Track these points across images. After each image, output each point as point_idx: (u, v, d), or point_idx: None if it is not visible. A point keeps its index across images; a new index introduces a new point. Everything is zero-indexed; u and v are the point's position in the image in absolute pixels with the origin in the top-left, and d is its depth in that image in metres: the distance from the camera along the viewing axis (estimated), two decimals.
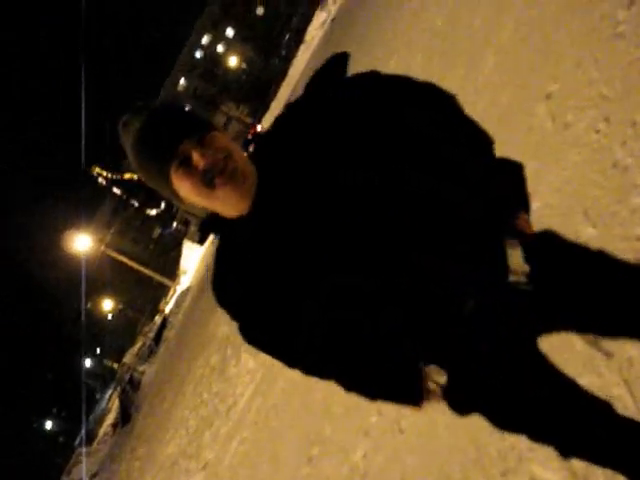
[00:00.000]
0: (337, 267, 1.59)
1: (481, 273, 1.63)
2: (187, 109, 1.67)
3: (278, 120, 1.78)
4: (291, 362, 1.79)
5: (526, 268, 1.65)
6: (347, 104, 1.69)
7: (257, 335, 1.76)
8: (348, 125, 1.65)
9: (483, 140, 1.82)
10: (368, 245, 1.58)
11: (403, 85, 1.81)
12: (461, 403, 1.74)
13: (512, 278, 1.64)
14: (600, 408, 1.78)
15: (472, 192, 1.67)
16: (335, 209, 1.59)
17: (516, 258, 1.66)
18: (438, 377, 1.71)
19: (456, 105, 1.83)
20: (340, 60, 1.95)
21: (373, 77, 1.79)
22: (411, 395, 1.73)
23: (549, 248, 1.75)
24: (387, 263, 1.58)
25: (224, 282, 1.75)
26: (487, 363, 1.69)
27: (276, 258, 1.63)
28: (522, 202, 1.76)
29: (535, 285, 1.65)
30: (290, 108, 1.79)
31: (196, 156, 1.55)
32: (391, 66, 9.74)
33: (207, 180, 1.56)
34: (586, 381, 2.58)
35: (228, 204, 1.65)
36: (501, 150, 4.43)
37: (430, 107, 1.78)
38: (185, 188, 1.60)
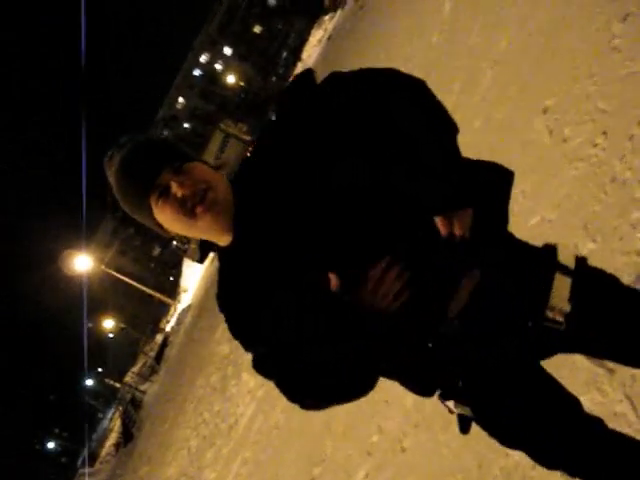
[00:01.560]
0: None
1: (518, 302, 1.59)
2: (167, 141, 1.66)
3: (259, 141, 1.76)
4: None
5: (567, 308, 1.56)
6: (329, 108, 1.64)
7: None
8: (331, 130, 1.62)
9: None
10: (360, 251, 1.55)
11: (382, 82, 1.71)
12: (467, 421, 1.71)
13: (549, 314, 1.56)
14: (603, 427, 1.75)
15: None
16: (321, 214, 1.56)
17: (561, 294, 1.57)
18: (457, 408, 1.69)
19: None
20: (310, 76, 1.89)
21: (349, 79, 1.72)
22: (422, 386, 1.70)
23: (592, 289, 1.64)
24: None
25: (228, 299, 1.71)
26: (491, 380, 1.67)
27: (270, 271, 1.60)
28: (470, 201, 1.58)
29: (569, 326, 1.57)
30: (270, 128, 1.76)
31: (174, 185, 1.54)
32: None
33: (187, 209, 1.54)
34: (589, 398, 2.56)
35: (210, 234, 1.64)
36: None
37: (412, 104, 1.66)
38: (166, 218, 1.58)
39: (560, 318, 1.56)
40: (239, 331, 1.70)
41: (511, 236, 1.71)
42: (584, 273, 1.63)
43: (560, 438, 1.71)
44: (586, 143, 3.67)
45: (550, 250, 1.64)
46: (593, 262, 3.00)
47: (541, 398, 1.71)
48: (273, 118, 1.77)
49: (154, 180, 1.54)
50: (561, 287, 1.58)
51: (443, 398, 1.70)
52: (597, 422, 1.76)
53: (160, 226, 1.64)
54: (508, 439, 1.76)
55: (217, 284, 1.74)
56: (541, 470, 2.51)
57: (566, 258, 1.63)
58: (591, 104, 3.81)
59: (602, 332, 1.64)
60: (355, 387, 1.60)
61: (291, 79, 1.81)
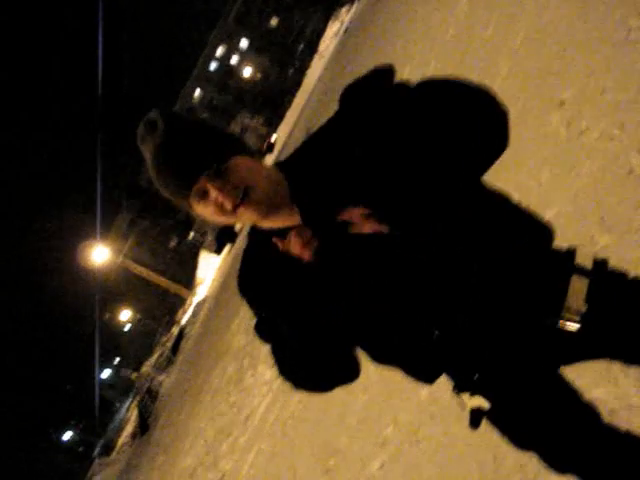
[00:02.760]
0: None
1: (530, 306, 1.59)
2: (207, 130, 1.59)
3: (307, 152, 1.72)
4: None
5: (584, 308, 1.55)
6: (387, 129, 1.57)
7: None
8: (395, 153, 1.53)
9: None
10: (424, 290, 1.58)
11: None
12: (479, 415, 1.72)
13: (564, 315, 1.55)
14: (616, 427, 1.75)
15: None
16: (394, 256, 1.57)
17: (578, 294, 1.56)
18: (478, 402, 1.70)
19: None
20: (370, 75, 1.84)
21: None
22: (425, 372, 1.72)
23: (610, 290, 1.62)
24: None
25: (250, 279, 1.75)
26: (507, 376, 1.68)
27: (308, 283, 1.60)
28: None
29: (585, 329, 1.56)
30: (319, 137, 1.71)
31: (213, 192, 1.50)
32: (405, 74, 9.75)
33: (226, 211, 1.53)
34: (604, 390, 2.56)
35: (252, 222, 1.65)
36: (516, 158, 4.42)
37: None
38: (206, 215, 1.58)
39: (576, 318, 1.55)
40: (251, 292, 1.75)
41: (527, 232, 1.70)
42: (602, 274, 1.62)
43: (573, 441, 1.71)
44: (603, 136, 3.66)
45: (569, 251, 1.64)
46: (609, 255, 3.01)
47: (556, 400, 1.71)
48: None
49: (192, 186, 1.51)
50: (578, 287, 1.57)
51: (458, 390, 1.71)
52: (613, 429, 1.75)
53: (198, 215, 1.62)
54: (520, 438, 1.77)
55: (242, 259, 1.77)
56: (556, 464, 2.53)
57: (584, 259, 1.63)
58: (608, 97, 3.80)
59: (620, 334, 1.64)
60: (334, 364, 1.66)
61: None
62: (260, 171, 1.58)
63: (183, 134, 1.55)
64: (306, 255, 1.51)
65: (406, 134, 1.52)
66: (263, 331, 1.73)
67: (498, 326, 1.61)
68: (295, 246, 1.51)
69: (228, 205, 1.51)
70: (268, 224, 1.63)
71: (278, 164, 1.69)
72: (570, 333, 1.57)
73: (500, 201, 1.74)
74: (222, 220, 1.59)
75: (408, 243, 1.57)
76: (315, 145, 1.70)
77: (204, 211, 1.56)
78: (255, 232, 1.72)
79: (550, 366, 1.70)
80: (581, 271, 1.59)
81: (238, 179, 1.52)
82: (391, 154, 1.51)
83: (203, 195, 1.52)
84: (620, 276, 1.68)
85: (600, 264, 1.64)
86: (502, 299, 1.59)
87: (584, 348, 1.66)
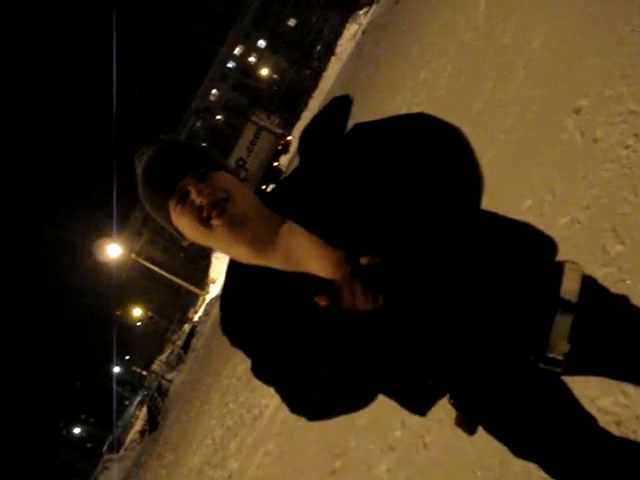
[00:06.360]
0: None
1: (512, 343, 1.59)
2: (197, 146, 1.63)
3: (297, 175, 1.74)
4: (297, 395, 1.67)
5: (567, 348, 1.55)
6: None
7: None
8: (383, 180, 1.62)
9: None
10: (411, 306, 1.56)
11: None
12: (473, 423, 1.73)
13: (549, 354, 1.55)
14: (622, 437, 1.75)
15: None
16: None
17: (562, 333, 1.56)
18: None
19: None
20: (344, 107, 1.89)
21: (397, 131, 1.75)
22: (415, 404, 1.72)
23: (594, 327, 1.62)
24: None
25: (236, 319, 1.71)
26: (495, 399, 1.69)
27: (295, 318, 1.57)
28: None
29: (568, 366, 1.56)
30: (307, 162, 1.75)
31: (193, 192, 1.52)
32: (421, 78, 9.75)
33: (202, 218, 1.52)
34: (612, 400, 2.56)
35: (232, 251, 1.62)
36: (530, 165, 4.42)
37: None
38: (183, 224, 1.57)
39: (560, 357, 1.55)
40: (240, 339, 1.72)
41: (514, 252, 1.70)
42: (587, 307, 1.60)
43: (578, 451, 1.71)
44: (617, 144, 3.65)
45: (554, 279, 1.62)
46: (621, 265, 2.99)
47: (561, 410, 1.71)
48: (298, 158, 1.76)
49: (175, 184, 1.53)
50: (561, 325, 1.56)
51: (453, 407, 1.73)
52: (619, 440, 1.76)
53: (177, 231, 1.63)
54: (525, 448, 1.77)
55: (222, 297, 1.73)
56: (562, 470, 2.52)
57: (572, 283, 1.61)
58: (623, 105, 3.79)
59: (605, 367, 1.64)
60: (353, 396, 1.59)
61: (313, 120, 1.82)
62: (244, 191, 1.59)
63: (176, 145, 1.62)
64: (373, 305, 1.44)
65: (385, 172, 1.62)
66: (262, 372, 1.71)
67: (484, 362, 1.61)
68: (361, 299, 1.43)
69: (205, 209, 1.51)
70: (247, 256, 1.61)
71: (260, 195, 1.67)
72: (554, 376, 1.58)
73: (492, 226, 1.73)
74: (197, 236, 1.58)
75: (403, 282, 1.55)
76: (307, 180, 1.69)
77: (181, 220, 1.56)
78: (234, 270, 1.69)
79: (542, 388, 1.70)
80: (566, 305, 1.58)
81: (220, 188, 1.53)
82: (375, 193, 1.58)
83: (183, 198, 1.53)
84: (606, 303, 1.69)
85: (587, 289, 1.63)
86: (485, 337, 1.59)
87: (576, 372, 1.66)
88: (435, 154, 1.72)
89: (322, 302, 1.42)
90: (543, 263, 1.69)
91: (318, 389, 1.54)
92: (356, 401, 1.61)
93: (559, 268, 1.64)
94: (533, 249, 1.73)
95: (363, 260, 1.44)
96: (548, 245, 1.76)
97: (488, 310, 1.58)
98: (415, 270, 1.55)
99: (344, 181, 1.62)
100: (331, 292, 1.44)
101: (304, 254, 1.57)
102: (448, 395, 1.71)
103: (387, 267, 1.47)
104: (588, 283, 1.65)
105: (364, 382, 1.55)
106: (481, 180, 1.72)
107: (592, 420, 1.73)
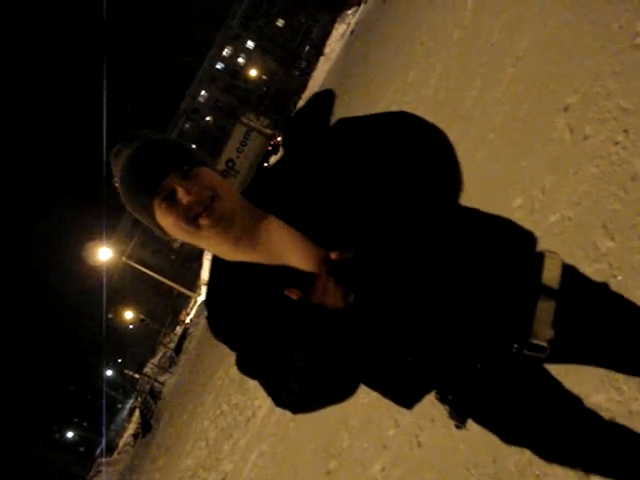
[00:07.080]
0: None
1: (498, 332, 1.60)
2: (179, 143, 1.61)
3: (281, 170, 1.74)
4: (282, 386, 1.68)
5: (551, 333, 1.57)
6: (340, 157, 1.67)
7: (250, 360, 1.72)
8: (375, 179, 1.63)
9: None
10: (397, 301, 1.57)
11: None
12: (464, 415, 1.73)
13: (533, 340, 1.57)
14: (616, 425, 1.76)
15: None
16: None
17: (544, 319, 1.58)
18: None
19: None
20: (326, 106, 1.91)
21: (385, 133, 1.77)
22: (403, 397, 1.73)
23: (577, 311, 1.65)
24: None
25: (221, 314, 1.70)
26: (482, 393, 1.69)
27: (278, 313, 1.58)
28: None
29: (552, 353, 1.58)
30: (292, 158, 1.75)
31: (180, 191, 1.50)
32: (410, 78, 9.75)
33: (190, 217, 1.51)
34: (605, 396, 2.57)
35: (216, 249, 1.62)
36: (520, 162, 4.42)
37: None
38: (168, 223, 1.55)
39: (544, 344, 1.57)
40: (225, 334, 1.71)
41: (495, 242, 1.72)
42: (569, 294, 1.63)
43: (572, 445, 1.72)
44: (607, 141, 3.66)
45: (535, 268, 1.64)
46: (612, 261, 3.00)
47: (555, 405, 1.72)
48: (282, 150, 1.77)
49: (160, 182, 1.51)
50: (544, 311, 1.58)
51: (440, 402, 1.73)
52: (613, 435, 1.76)
53: (162, 230, 1.61)
54: (518, 443, 1.78)
55: (207, 293, 1.73)
56: (556, 467, 2.53)
57: (552, 271, 1.63)
58: (612, 102, 3.80)
59: (590, 354, 1.65)
60: (332, 386, 1.62)
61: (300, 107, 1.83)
62: (228, 187, 1.58)
63: (157, 142, 1.58)
64: (342, 303, 1.49)
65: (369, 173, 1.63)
66: (246, 367, 1.72)
67: (468, 351, 1.62)
68: (331, 296, 1.48)
69: (192, 209, 1.50)
70: (231, 253, 1.62)
71: (243, 192, 1.68)
72: (538, 362, 1.60)
73: (471, 222, 1.75)
74: (182, 234, 1.57)
75: (381, 272, 1.57)
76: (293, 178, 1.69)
77: (167, 219, 1.54)
78: (218, 266, 1.69)
79: (531, 380, 1.71)
80: (547, 291, 1.60)
81: (206, 185, 1.52)
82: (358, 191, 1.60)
83: (168, 196, 1.52)
84: (587, 290, 1.70)
85: (567, 279, 1.64)
86: (468, 327, 1.60)
87: (562, 360, 1.67)
88: (413, 152, 1.74)
89: (292, 295, 1.48)
90: (524, 254, 1.71)
91: (297, 380, 1.56)
92: (336, 392, 1.64)
93: (539, 257, 1.66)
94: (514, 242, 1.75)
95: (333, 255, 1.49)
96: (529, 238, 1.78)
97: (470, 301, 1.59)
98: (392, 264, 1.57)
99: (325, 176, 1.63)
100: (306, 286, 1.49)
101: (284, 248, 1.59)
102: (435, 391, 1.72)
103: (362, 262, 1.51)
104: (569, 271, 1.67)
105: (340, 372, 1.58)
106: (460, 176, 1.74)
107: (582, 410, 1.74)
